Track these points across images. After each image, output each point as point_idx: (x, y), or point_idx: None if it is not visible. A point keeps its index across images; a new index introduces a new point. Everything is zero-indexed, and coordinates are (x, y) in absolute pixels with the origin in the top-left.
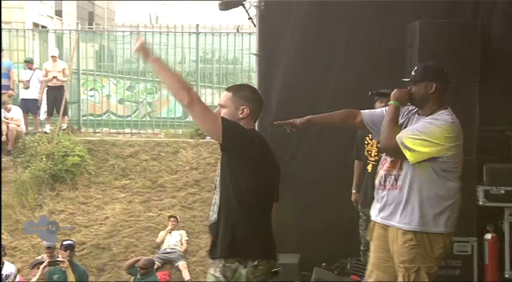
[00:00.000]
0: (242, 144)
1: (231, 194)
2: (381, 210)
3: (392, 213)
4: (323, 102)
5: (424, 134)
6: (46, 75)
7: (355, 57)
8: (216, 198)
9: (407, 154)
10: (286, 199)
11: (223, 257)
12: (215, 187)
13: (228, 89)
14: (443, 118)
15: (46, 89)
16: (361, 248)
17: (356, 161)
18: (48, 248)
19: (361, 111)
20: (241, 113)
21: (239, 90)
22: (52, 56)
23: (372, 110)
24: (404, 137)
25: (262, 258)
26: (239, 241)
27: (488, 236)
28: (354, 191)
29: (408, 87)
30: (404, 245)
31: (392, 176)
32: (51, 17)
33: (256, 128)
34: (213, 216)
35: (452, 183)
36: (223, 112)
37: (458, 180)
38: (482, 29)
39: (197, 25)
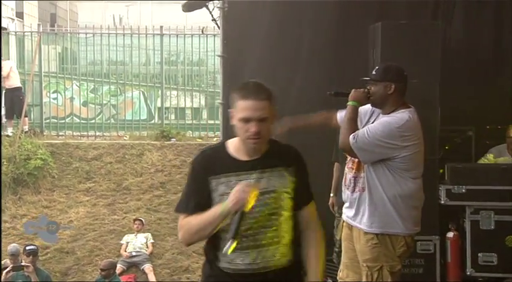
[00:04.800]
0: None
1: None
2: (347, 210)
3: (356, 213)
4: (288, 103)
5: (377, 133)
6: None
7: (319, 58)
8: None
9: (359, 154)
10: None
11: None
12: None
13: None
14: (399, 117)
15: (4, 91)
16: (335, 248)
17: (336, 163)
18: (12, 255)
19: (338, 112)
20: None
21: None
22: None
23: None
24: (358, 137)
25: None
26: None
27: (450, 234)
28: (331, 194)
29: (368, 87)
30: (366, 245)
31: (356, 178)
32: (12, 19)
33: (225, 130)
34: None
35: (412, 183)
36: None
37: (418, 180)
38: (443, 30)
39: (161, 27)
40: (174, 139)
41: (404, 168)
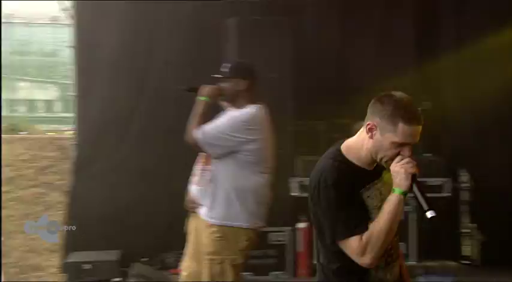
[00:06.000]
0: None
1: None
2: (197, 202)
3: (204, 206)
4: (145, 95)
5: (224, 127)
6: None
7: (174, 52)
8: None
9: (207, 148)
10: (105, 195)
11: None
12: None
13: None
14: (245, 111)
15: None
16: None
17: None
18: None
19: None
20: None
21: None
22: None
23: None
24: (205, 131)
25: None
26: None
27: (301, 225)
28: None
29: (219, 83)
30: (209, 237)
31: (204, 172)
32: None
33: (79, 123)
34: None
35: (259, 177)
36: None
37: (266, 175)
38: (296, 25)
39: (11, 15)
40: (25, 132)
41: (251, 161)
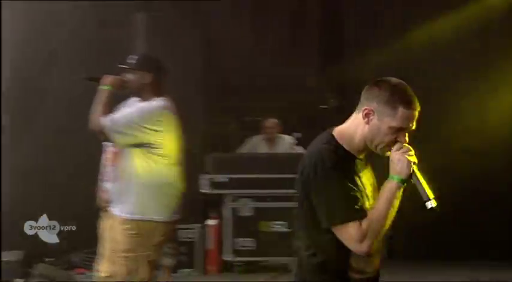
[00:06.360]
0: None
1: None
2: (110, 200)
3: (116, 202)
4: (48, 90)
5: (132, 117)
6: None
7: (78, 47)
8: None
9: (114, 136)
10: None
11: None
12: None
13: None
14: (154, 104)
15: None
16: None
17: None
18: None
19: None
20: None
21: None
22: None
23: None
24: (114, 119)
25: None
26: None
27: (211, 222)
28: None
29: (125, 75)
30: (123, 233)
31: (114, 167)
32: None
33: None
34: None
35: (169, 170)
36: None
37: (175, 168)
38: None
39: None
40: None
41: (160, 154)
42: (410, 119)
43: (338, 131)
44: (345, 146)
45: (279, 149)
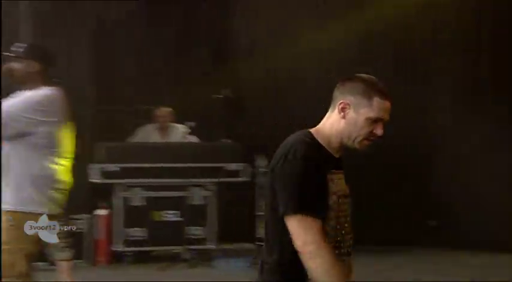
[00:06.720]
0: None
1: None
2: None
3: (2, 194)
4: None
5: (16, 107)
6: None
7: None
8: None
9: None
10: None
11: None
12: None
13: None
14: (40, 92)
15: None
16: None
17: None
18: None
19: None
20: None
21: None
22: None
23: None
24: None
25: None
26: None
27: (100, 212)
28: None
29: (10, 63)
30: (3, 225)
31: None
32: None
33: None
34: None
35: (52, 161)
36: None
37: (63, 159)
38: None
39: None
40: None
41: (44, 144)
42: (386, 109)
43: (315, 129)
44: (323, 144)
45: (172, 138)
